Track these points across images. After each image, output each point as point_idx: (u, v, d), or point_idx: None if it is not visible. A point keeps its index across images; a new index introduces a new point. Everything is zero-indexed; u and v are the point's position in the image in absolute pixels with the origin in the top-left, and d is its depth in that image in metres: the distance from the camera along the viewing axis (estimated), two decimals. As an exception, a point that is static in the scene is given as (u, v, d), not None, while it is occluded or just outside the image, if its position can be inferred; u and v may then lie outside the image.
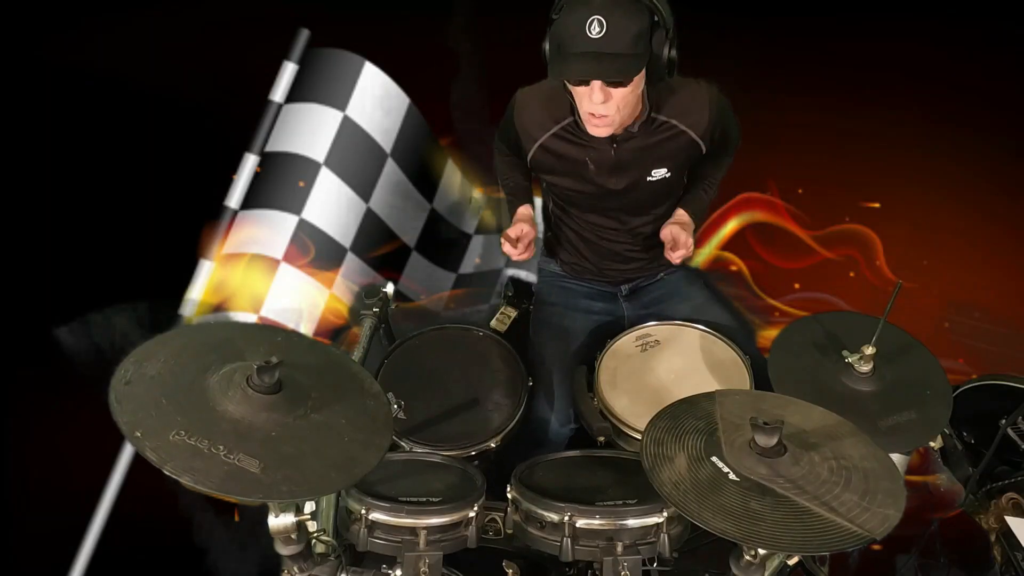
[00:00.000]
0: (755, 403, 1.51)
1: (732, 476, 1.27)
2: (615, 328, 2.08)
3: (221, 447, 1.18)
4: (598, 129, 1.78)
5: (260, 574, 2.11)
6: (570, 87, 1.75)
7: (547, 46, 1.70)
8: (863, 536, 1.18)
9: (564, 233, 2.17)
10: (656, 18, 1.63)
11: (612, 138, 1.84)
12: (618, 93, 1.69)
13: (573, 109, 1.85)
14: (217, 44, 2.73)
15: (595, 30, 1.58)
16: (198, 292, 2.24)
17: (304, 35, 2.29)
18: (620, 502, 1.50)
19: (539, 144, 1.93)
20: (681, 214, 2.03)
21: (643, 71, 1.67)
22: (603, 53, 1.60)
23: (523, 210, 2.09)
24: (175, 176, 2.63)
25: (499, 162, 2.18)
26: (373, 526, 1.47)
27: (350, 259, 2.42)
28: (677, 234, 1.94)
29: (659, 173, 1.93)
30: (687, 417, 1.43)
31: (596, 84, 1.66)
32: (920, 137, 3.03)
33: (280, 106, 2.31)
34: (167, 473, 1.13)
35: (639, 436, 1.76)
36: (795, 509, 1.22)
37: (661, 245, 2.00)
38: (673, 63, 1.70)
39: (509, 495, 1.57)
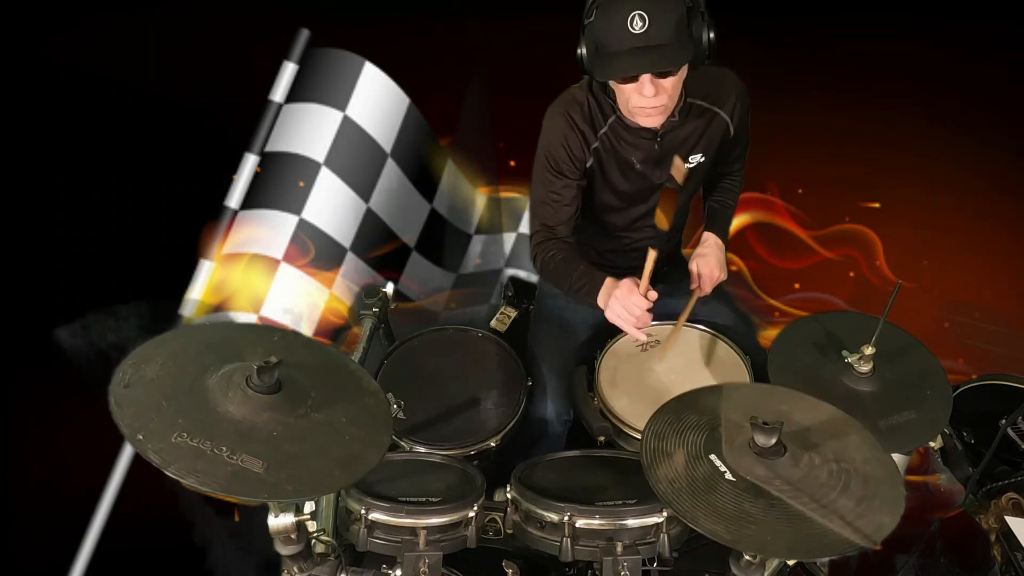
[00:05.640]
0: (761, 398, 1.50)
1: (728, 476, 1.27)
2: (616, 327, 2.08)
3: (224, 448, 1.18)
4: (650, 119, 1.75)
5: (260, 574, 2.11)
6: (615, 85, 1.73)
7: (583, 50, 1.69)
8: (854, 544, 1.17)
9: (582, 237, 2.10)
10: (691, 3, 1.63)
11: (654, 132, 1.84)
12: (667, 83, 1.67)
13: (614, 108, 1.83)
14: (217, 44, 2.72)
15: (638, 24, 1.57)
16: (198, 292, 2.25)
17: (304, 35, 2.29)
18: (620, 502, 1.50)
19: (593, 151, 1.89)
20: (711, 240, 2.02)
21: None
22: (649, 46, 1.59)
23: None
24: (175, 176, 2.63)
25: (552, 257, 1.92)
26: (373, 526, 1.47)
27: (350, 259, 2.42)
28: (703, 269, 1.94)
29: (695, 159, 1.93)
30: (690, 412, 1.42)
31: (646, 78, 1.64)
32: (920, 137, 3.03)
33: (280, 106, 2.31)
34: (170, 475, 1.13)
35: (639, 436, 1.76)
36: (788, 513, 1.21)
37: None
38: (713, 46, 1.69)
39: (509, 495, 1.57)
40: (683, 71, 1.70)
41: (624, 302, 1.74)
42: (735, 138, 1.97)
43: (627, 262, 2.15)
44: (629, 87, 1.69)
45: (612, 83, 1.73)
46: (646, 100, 1.69)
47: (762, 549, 1.18)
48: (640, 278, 1.76)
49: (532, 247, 1.97)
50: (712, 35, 1.67)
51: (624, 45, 1.60)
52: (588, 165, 1.90)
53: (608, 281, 1.82)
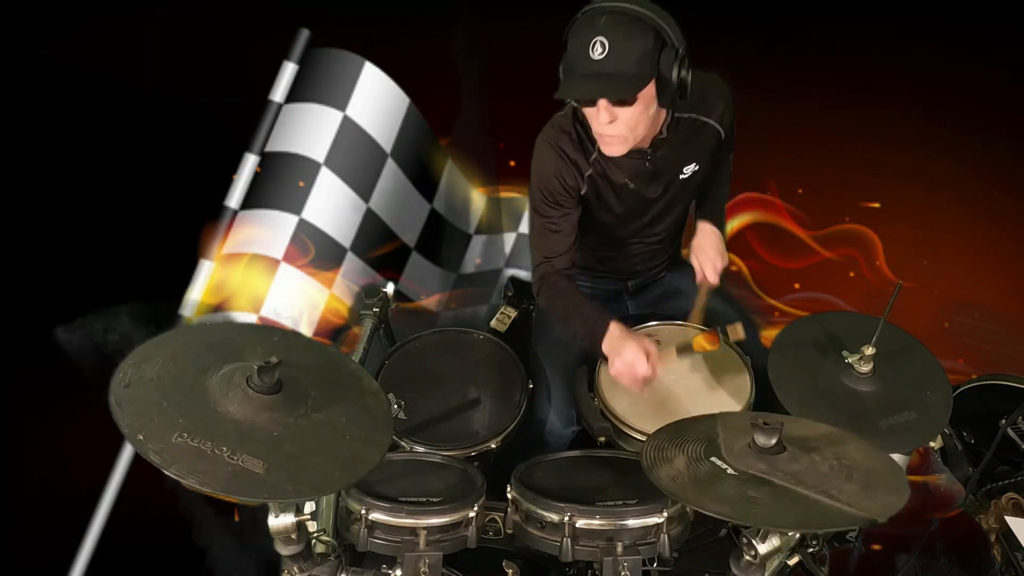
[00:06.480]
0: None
1: (730, 471, 1.27)
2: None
3: (224, 448, 1.18)
4: (610, 148, 1.76)
5: (260, 574, 2.11)
6: (582, 109, 1.74)
7: (561, 68, 1.70)
8: (864, 518, 1.16)
9: (583, 244, 2.09)
10: (664, 39, 1.62)
11: (643, 151, 1.83)
12: (625, 113, 1.67)
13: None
14: (217, 44, 2.72)
15: (597, 51, 1.58)
16: (198, 292, 2.25)
17: (304, 35, 2.29)
18: (620, 502, 1.50)
19: (587, 178, 1.88)
20: (706, 229, 2.01)
21: (650, 90, 1.65)
22: (605, 73, 1.59)
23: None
24: (175, 176, 2.63)
25: (553, 297, 1.93)
26: (373, 526, 1.47)
27: (350, 259, 2.42)
28: (703, 260, 1.95)
29: (690, 169, 1.93)
30: (687, 432, 1.42)
31: (601, 104, 1.64)
32: (920, 137, 3.02)
33: (280, 106, 2.31)
34: (171, 476, 1.13)
35: (640, 436, 1.77)
36: (794, 495, 1.20)
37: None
38: (685, 84, 1.67)
39: (509, 495, 1.57)
40: (646, 105, 1.68)
41: (631, 368, 1.75)
42: (726, 139, 1.97)
43: (626, 266, 2.15)
44: (590, 111, 1.70)
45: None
46: (602, 128, 1.70)
47: (771, 523, 1.17)
48: (649, 339, 1.79)
49: (536, 280, 1.97)
50: (684, 73, 1.66)
51: (583, 69, 1.61)
52: (583, 192, 1.90)
53: (612, 327, 1.81)
